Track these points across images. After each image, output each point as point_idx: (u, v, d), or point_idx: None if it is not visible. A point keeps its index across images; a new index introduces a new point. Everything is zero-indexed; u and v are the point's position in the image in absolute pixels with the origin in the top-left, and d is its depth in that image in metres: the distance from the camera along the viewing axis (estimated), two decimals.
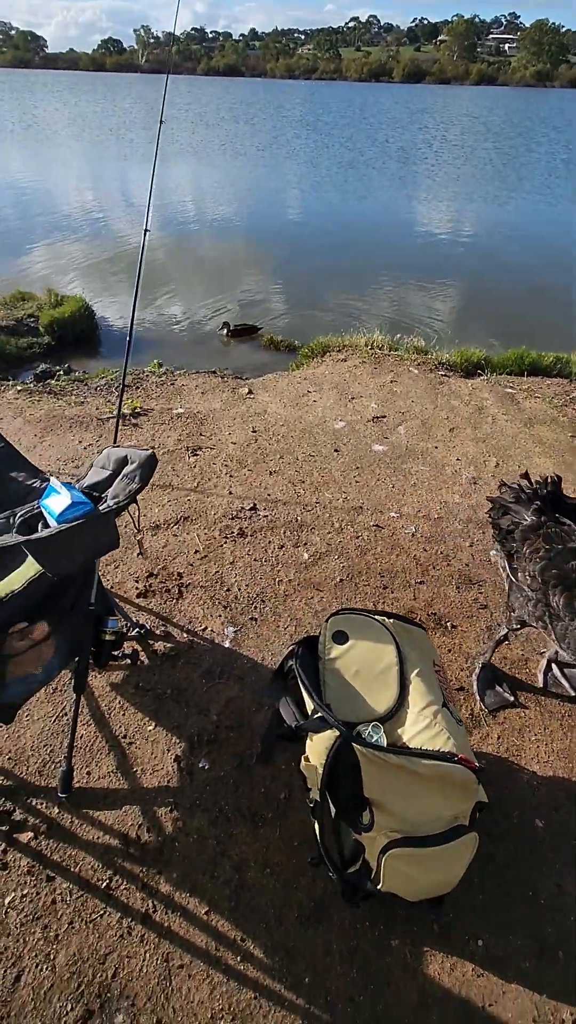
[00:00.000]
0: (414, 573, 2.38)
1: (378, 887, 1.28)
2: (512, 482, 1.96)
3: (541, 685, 1.96)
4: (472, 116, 33.00)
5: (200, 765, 1.69)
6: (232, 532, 2.52)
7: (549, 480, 1.88)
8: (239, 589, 2.25)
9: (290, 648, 1.38)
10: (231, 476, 2.87)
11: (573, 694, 1.93)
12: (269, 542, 2.49)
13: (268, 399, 3.63)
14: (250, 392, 3.72)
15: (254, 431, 3.25)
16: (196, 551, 2.42)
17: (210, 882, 1.46)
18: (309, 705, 1.26)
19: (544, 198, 12.26)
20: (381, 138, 22.56)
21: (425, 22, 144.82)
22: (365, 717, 1.29)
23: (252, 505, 2.68)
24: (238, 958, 1.35)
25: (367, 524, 2.62)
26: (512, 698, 1.93)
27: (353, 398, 3.67)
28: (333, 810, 1.27)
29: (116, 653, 1.68)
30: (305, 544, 2.49)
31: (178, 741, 1.74)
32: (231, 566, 2.35)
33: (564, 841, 1.57)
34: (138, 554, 2.33)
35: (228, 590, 2.25)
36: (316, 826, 1.33)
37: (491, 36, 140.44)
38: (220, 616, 2.14)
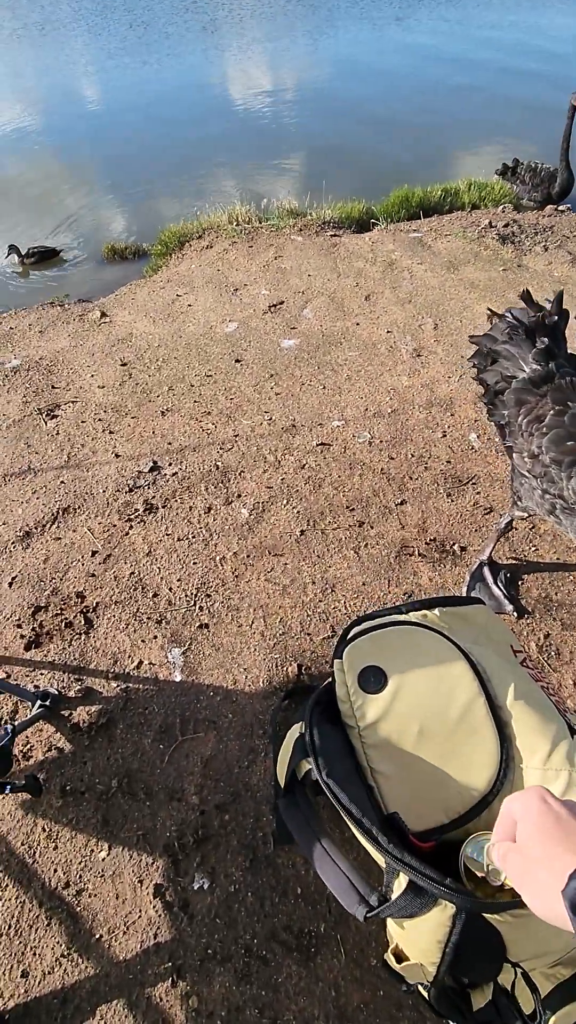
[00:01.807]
0: (389, 493, 1.80)
1: None
2: (508, 309, 1.34)
3: None
4: None
5: (195, 885, 1.10)
6: (136, 510, 1.80)
7: (557, 300, 1.28)
8: (170, 589, 1.59)
9: (296, 734, 0.76)
10: (111, 432, 2.09)
11: None
12: (191, 508, 1.80)
13: (130, 318, 2.75)
14: (104, 315, 2.82)
15: (124, 364, 2.41)
16: (94, 552, 1.69)
17: None
18: (370, 848, 0.66)
19: (371, 26, 10.85)
20: None
21: None
22: (459, 808, 0.72)
23: (151, 464, 1.94)
24: None
25: (309, 446, 1.97)
26: (511, 605, 1.47)
27: (236, 289, 2.86)
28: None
29: (1, 783, 1.01)
30: (239, 497, 1.82)
31: (151, 859, 1.14)
32: (149, 559, 1.66)
33: None
34: None
35: (156, 595, 1.57)
36: (427, 996, 0.79)
37: None
38: (156, 638, 1.48)
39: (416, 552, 1.63)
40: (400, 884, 0.62)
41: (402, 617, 0.85)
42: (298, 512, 1.76)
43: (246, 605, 1.54)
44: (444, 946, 0.61)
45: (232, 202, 3.97)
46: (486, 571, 1.53)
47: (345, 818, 0.66)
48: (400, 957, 0.69)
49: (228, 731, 1.31)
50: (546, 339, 1.18)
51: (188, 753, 1.28)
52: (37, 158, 6.81)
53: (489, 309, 1.36)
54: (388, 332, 2.46)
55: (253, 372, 2.31)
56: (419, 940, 0.63)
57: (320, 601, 1.53)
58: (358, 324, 2.53)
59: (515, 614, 1.47)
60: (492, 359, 1.27)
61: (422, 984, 0.76)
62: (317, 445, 1.97)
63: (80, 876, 1.13)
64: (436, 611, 0.88)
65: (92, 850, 1.16)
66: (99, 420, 2.15)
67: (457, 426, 2.01)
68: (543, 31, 9.93)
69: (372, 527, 1.71)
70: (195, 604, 1.55)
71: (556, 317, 1.22)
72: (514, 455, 1.24)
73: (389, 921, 0.68)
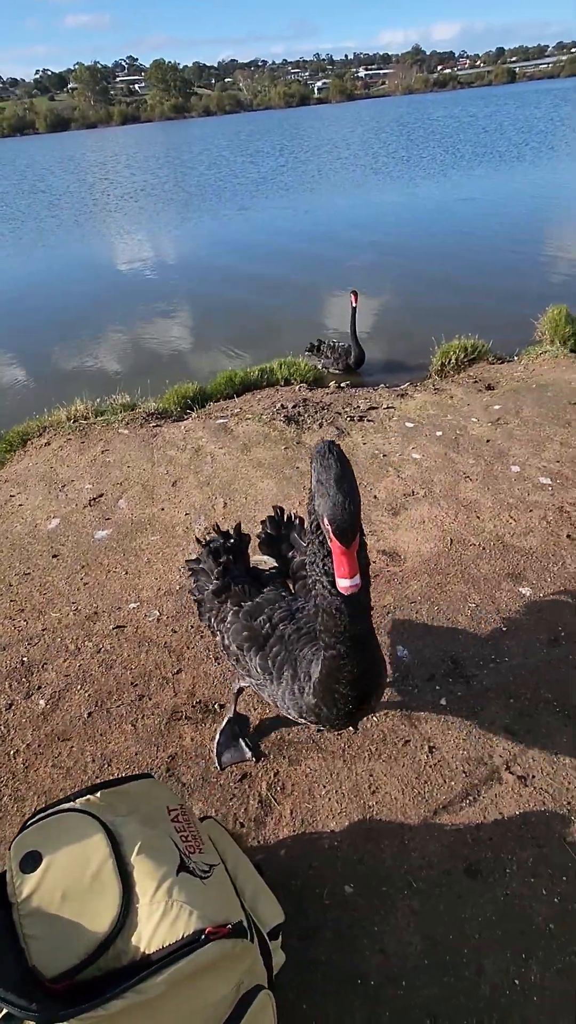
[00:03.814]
0: (169, 664, 2.18)
1: None
2: (211, 540, 1.85)
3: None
4: (128, 153, 34.42)
5: None
6: None
7: (232, 530, 1.81)
8: None
9: None
10: None
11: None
12: None
13: None
14: None
15: None
16: None
17: None
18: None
19: (217, 218, 13.12)
20: (39, 188, 22.14)
21: (49, 72, 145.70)
22: (88, 950, 1.03)
23: None
24: None
25: (107, 630, 2.34)
26: (250, 752, 1.84)
27: (64, 485, 3.34)
28: None
29: None
30: (39, 689, 2.12)
31: None
32: None
33: (374, 898, 1.51)
34: None
35: None
36: None
37: (119, 79, 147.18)
38: None
39: (184, 716, 1.99)
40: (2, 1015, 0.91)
41: (67, 805, 1.19)
42: (89, 695, 2.08)
43: (32, 794, 1.79)
44: None
45: (72, 398, 4.58)
46: (232, 726, 1.90)
47: None
48: None
49: None
50: (224, 559, 1.66)
51: None
52: None
53: (196, 537, 1.87)
54: (186, 514, 2.99)
55: (67, 565, 2.71)
56: None
57: (97, 777, 1.82)
58: (163, 509, 3.05)
59: (254, 759, 1.83)
60: (196, 576, 1.75)
61: None
62: (113, 628, 2.35)
63: None
64: (99, 793, 1.23)
65: None
66: None
67: None
68: (362, 209, 12.44)
69: (150, 698, 2.06)
70: None
71: (232, 541, 1.73)
72: (219, 647, 1.68)
73: None
